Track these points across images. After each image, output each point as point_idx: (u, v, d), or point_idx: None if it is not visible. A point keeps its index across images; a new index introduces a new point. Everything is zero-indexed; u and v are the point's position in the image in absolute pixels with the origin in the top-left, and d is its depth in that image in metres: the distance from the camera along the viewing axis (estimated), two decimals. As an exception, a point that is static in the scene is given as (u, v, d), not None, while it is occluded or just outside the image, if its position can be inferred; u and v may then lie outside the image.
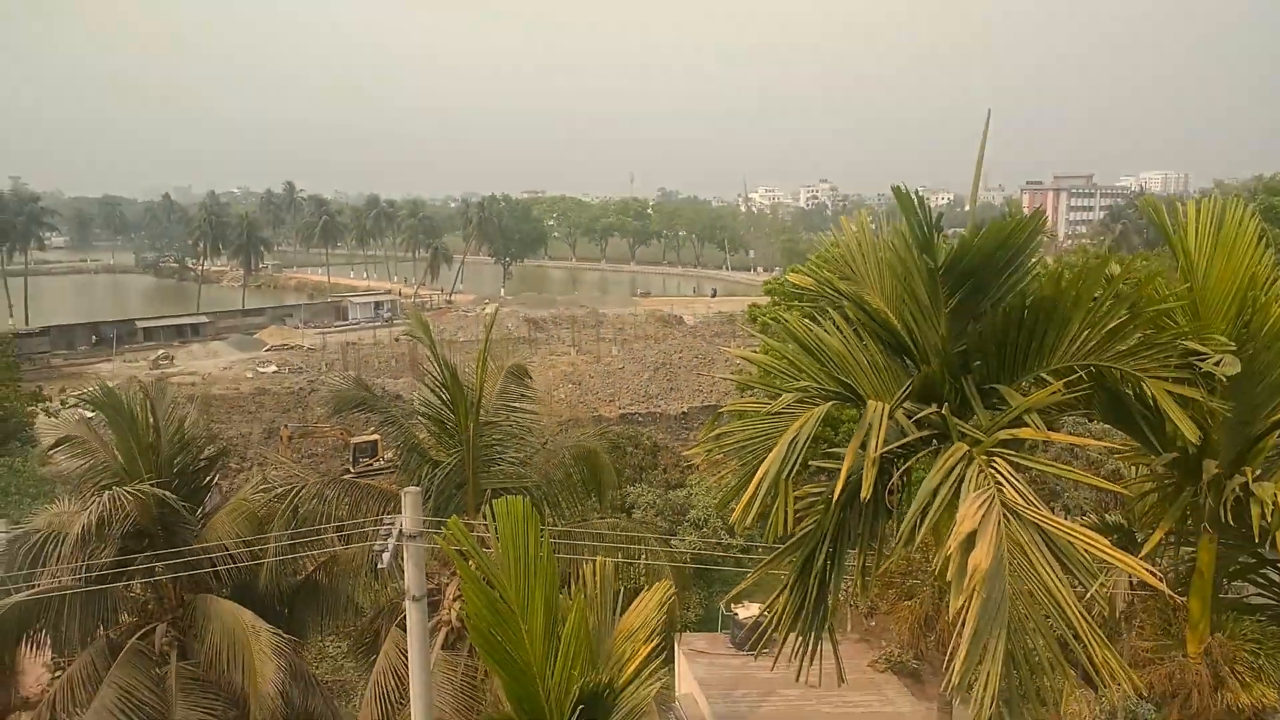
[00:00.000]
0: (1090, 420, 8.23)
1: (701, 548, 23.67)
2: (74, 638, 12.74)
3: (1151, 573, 6.02)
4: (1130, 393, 7.14)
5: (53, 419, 37.73)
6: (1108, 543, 5.71)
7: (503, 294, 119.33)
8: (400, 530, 12.02)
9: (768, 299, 38.87)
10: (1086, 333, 6.46)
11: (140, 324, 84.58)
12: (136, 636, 13.11)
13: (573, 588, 6.88)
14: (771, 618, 7.08)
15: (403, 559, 12.02)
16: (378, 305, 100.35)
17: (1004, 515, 5.89)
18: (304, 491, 13.76)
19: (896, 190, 6.78)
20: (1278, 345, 6.60)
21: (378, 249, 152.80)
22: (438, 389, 14.82)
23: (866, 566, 7.10)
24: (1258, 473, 6.86)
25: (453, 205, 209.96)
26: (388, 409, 16.08)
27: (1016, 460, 6.21)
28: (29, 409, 39.16)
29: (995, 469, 6.19)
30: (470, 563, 5.86)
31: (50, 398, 40.52)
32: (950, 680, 5.82)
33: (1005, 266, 6.74)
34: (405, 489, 12.47)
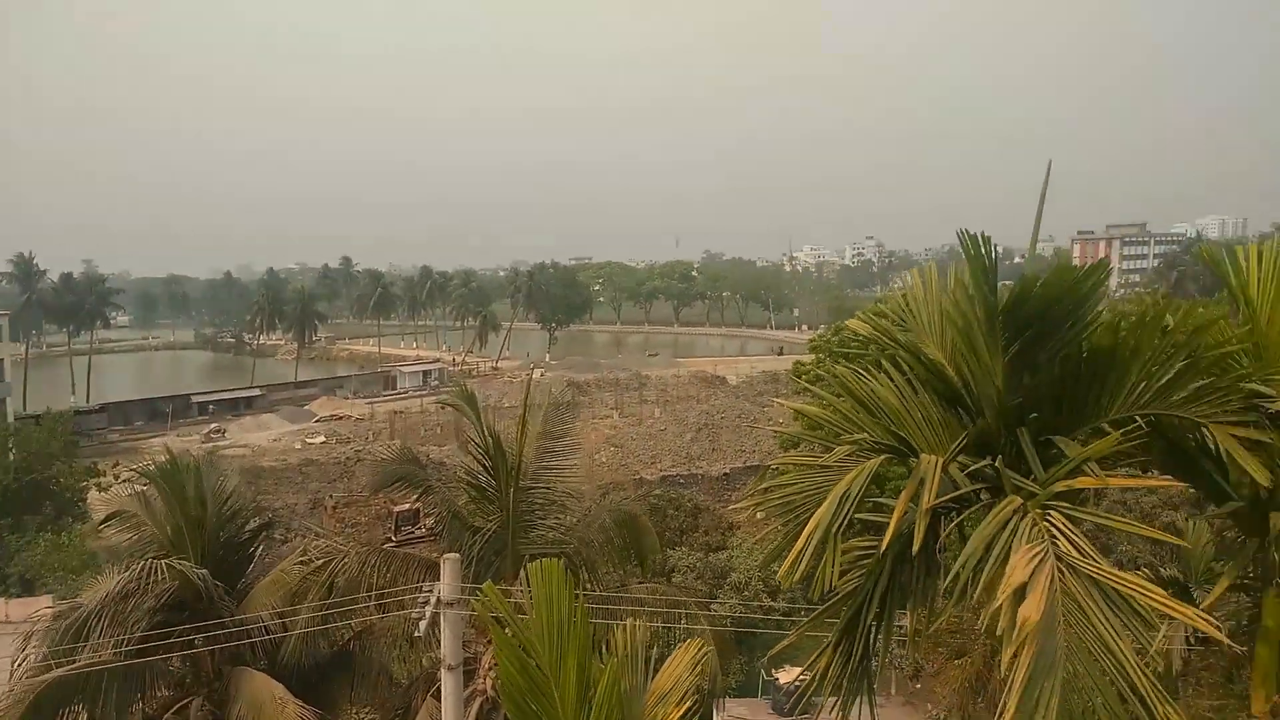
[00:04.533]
0: (1145, 472, 7.80)
1: (743, 611, 23.08)
2: (110, 714, 12.60)
3: (1213, 624, 5.62)
4: (1192, 441, 6.74)
5: (104, 494, 38.49)
6: (1165, 594, 5.36)
7: (548, 359, 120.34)
8: (438, 598, 11.83)
9: (812, 356, 38.47)
10: (1144, 382, 6.14)
11: (195, 398, 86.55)
12: (172, 711, 12.96)
13: (604, 654, 6.63)
14: (812, 679, 6.72)
15: (440, 627, 11.80)
16: (426, 374, 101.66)
17: (1058, 568, 5.55)
18: (344, 562, 13.66)
19: (961, 234, 6.56)
20: (1349, 387, 6.17)
21: (428, 318, 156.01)
22: (480, 455, 14.78)
23: (917, 627, 6.71)
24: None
25: (502, 274, 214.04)
26: (429, 479, 16.04)
27: (1072, 513, 5.84)
28: (81, 484, 39.96)
29: (1050, 521, 5.83)
30: (506, 629, 5.77)
31: (104, 472, 41.33)
32: None
33: (1067, 316, 6.45)
34: (444, 556, 12.31)
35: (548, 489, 15.48)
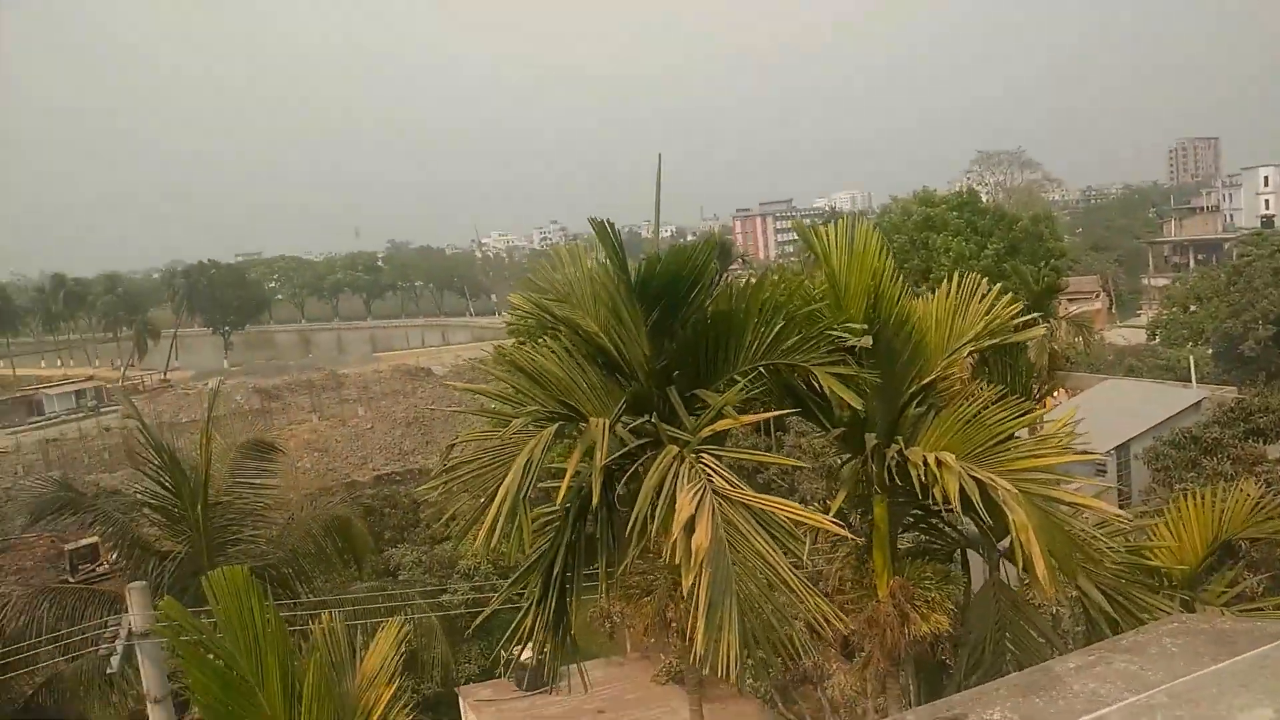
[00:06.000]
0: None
1: (475, 596, 23.61)
2: None
3: (838, 525, 7.18)
4: (801, 383, 8.39)
5: None
6: (799, 506, 6.78)
7: (226, 365, 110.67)
8: (129, 630, 11.16)
9: (512, 340, 39.34)
10: (757, 338, 7.61)
11: None
12: None
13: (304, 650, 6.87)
14: (519, 636, 7.51)
15: (138, 661, 11.15)
16: (79, 394, 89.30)
17: (716, 500, 6.75)
18: (7, 607, 12.30)
19: (592, 221, 7.56)
20: (903, 330, 8.11)
21: (70, 333, 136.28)
22: (158, 475, 13.90)
23: (609, 571, 7.73)
24: (908, 434, 8.29)
25: (155, 276, 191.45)
26: (99, 506, 14.76)
27: (719, 453, 7.12)
28: None
29: (703, 463, 7.05)
30: (193, 642, 5.73)
31: None
32: (695, 652, 6.56)
33: (691, 286, 7.71)
34: (130, 585, 11.58)
35: (243, 503, 14.94)
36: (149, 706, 11.06)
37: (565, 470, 7.35)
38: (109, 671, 11.12)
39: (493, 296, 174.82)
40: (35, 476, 47.90)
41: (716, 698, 19.95)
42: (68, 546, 35.82)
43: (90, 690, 13.19)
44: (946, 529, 10.27)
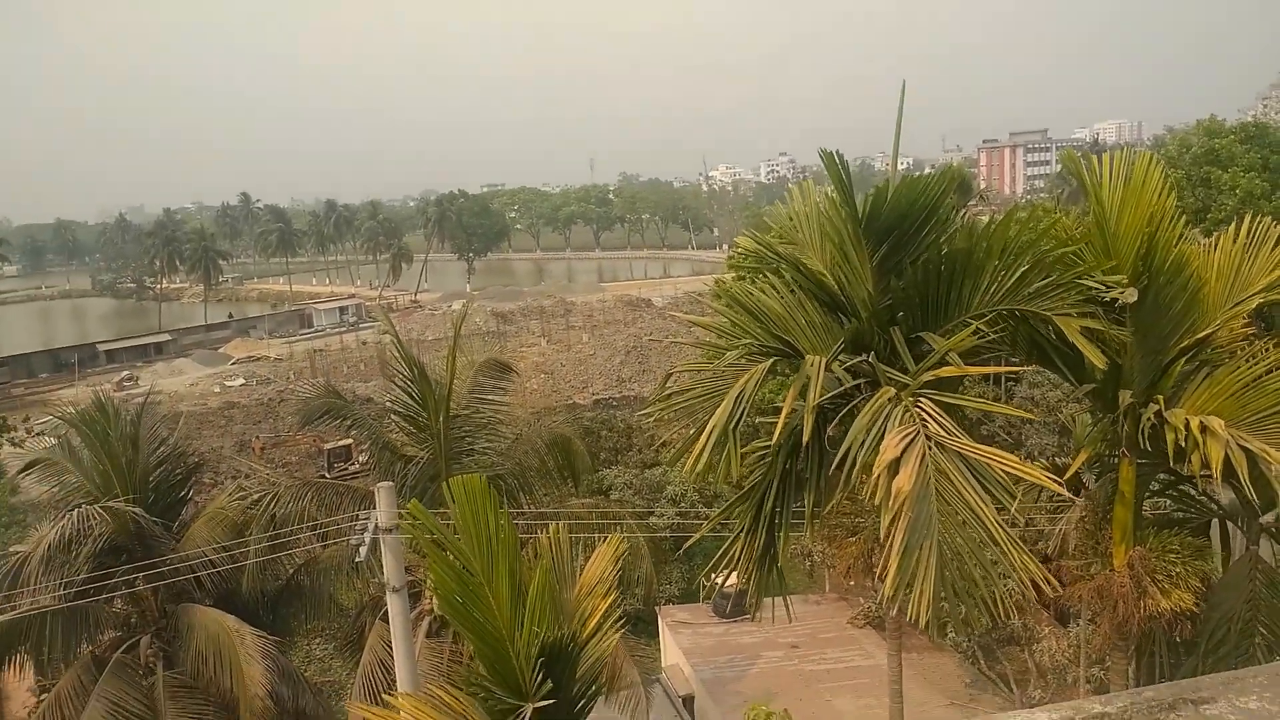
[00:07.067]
0: (1021, 362, 8.68)
1: (680, 522, 24.09)
2: (57, 657, 12.88)
3: (1057, 482, 6.52)
4: (1050, 331, 7.58)
5: (18, 448, 37.22)
6: (1018, 460, 6.20)
7: (468, 289, 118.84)
8: (375, 524, 12.28)
9: (732, 274, 39.17)
10: (998, 281, 6.90)
11: (102, 347, 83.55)
12: (121, 650, 13.28)
13: (532, 558, 7.19)
14: (727, 562, 7.50)
15: (380, 553, 12.29)
16: (342, 310, 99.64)
17: (928, 445, 6.32)
18: (279, 495, 13.96)
19: (821, 153, 7.16)
20: (1179, 279, 7.08)
21: (338, 254, 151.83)
22: (407, 386, 15.07)
23: (816, 509, 7.52)
24: (1169, 394, 7.33)
25: (411, 204, 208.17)
26: (357, 412, 16.30)
27: (939, 398, 6.63)
28: (-11, 439, 38.41)
29: (921, 407, 6.61)
30: (435, 541, 6.15)
31: (15, 427, 39.90)
32: (884, 593, 6.26)
33: (923, 222, 7.14)
34: (378, 485, 12.71)
35: (479, 416, 15.90)
36: (388, 594, 12.21)
37: (778, 407, 7.17)
38: (356, 560, 12.35)
39: (715, 230, 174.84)
40: (304, 382, 54.41)
41: (913, 648, 19.38)
42: (326, 446, 40.64)
43: (339, 575, 14.84)
44: (1200, 497, 9.19)
